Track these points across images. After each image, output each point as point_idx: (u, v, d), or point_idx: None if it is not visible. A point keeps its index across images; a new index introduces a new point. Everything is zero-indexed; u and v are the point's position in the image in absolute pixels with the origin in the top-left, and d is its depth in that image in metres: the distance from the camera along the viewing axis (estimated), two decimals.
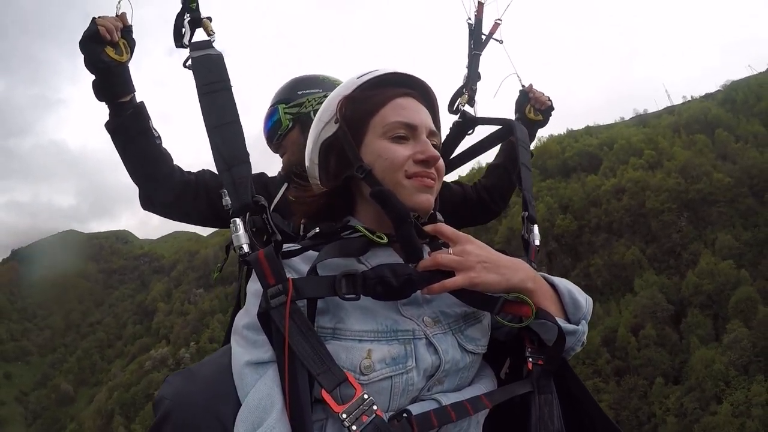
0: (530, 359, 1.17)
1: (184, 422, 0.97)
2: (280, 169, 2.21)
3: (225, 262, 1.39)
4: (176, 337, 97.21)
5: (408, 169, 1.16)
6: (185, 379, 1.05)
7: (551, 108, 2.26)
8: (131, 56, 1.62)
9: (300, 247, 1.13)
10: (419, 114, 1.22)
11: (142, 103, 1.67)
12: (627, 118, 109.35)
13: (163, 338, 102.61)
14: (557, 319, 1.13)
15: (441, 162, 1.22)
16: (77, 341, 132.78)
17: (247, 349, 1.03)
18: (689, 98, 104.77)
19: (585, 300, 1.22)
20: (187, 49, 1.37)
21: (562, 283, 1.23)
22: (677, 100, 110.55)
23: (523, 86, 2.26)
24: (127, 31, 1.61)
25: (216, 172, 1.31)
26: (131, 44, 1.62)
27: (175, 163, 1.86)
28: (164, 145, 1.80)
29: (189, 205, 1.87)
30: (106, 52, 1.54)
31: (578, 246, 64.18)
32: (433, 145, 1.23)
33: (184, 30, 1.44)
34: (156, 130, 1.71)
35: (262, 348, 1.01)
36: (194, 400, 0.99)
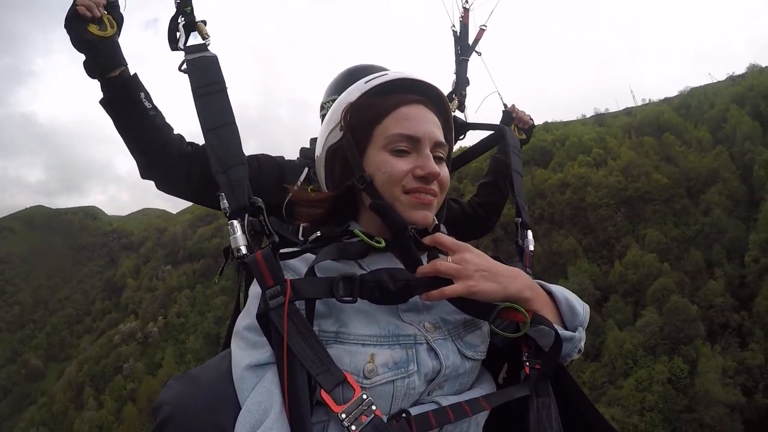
0: (527, 363, 1.18)
1: (185, 427, 0.97)
2: (299, 154, 2.17)
3: (225, 264, 1.35)
4: (144, 312, 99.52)
5: (406, 184, 1.16)
6: (186, 384, 1.05)
7: (533, 126, 2.41)
8: (119, 30, 1.58)
9: (299, 249, 1.13)
10: (423, 125, 1.19)
11: (134, 75, 1.63)
12: (588, 115, 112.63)
13: (132, 313, 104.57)
14: (554, 325, 1.14)
15: (444, 175, 1.20)
16: (46, 317, 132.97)
17: (248, 351, 1.02)
18: (648, 101, 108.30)
19: (582, 307, 1.24)
20: (182, 53, 1.35)
21: (560, 290, 1.24)
22: (641, 102, 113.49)
23: (505, 105, 2.35)
24: (111, 5, 1.57)
25: None
26: (117, 18, 1.58)
27: (176, 133, 1.78)
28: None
29: (182, 179, 1.79)
30: (88, 30, 1.51)
31: None
32: (439, 156, 1.22)
33: (178, 33, 1.44)
34: (150, 102, 1.66)
35: (263, 349, 1.00)
36: (195, 406, 0.99)
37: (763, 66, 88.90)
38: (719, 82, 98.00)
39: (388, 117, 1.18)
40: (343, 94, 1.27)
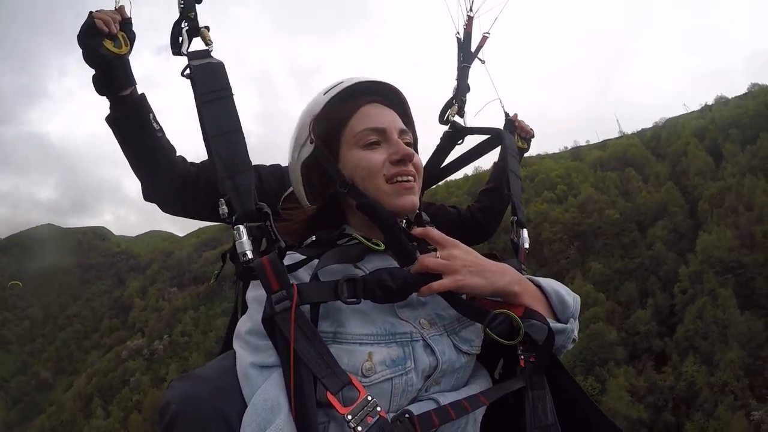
0: (522, 356, 1.22)
1: (191, 423, 0.99)
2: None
3: (222, 269, 1.36)
4: (151, 330, 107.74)
5: (386, 172, 1.24)
6: (190, 382, 1.07)
7: (533, 136, 2.51)
8: (131, 49, 1.60)
9: (305, 258, 1.16)
10: (386, 117, 1.31)
11: (142, 95, 1.66)
12: (569, 147, 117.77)
13: (139, 331, 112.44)
14: (546, 319, 1.19)
15: (417, 159, 1.29)
16: (55, 332, 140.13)
17: (251, 353, 1.06)
18: (622, 134, 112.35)
19: (573, 299, 1.29)
20: (185, 58, 1.38)
21: (549, 283, 1.29)
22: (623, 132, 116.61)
23: (507, 114, 2.45)
24: (126, 23, 1.59)
25: None
26: (131, 37, 1.60)
27: (178, 154, 1.83)
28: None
29: (189, 200, 1.84)
30: (104, 45, 1.52)
31: None
32: (406, 143, 1.30)
33: (181, 39, 1.45)
34: (157, 123, 1.70)
35: (266, 353, 1.04)
36: (200, 401, 1.01)
37: (730, 97, 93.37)
38: (692, 112, 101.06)
39: (352, 118, 1.30)
40: (305, 108, 1.37)
